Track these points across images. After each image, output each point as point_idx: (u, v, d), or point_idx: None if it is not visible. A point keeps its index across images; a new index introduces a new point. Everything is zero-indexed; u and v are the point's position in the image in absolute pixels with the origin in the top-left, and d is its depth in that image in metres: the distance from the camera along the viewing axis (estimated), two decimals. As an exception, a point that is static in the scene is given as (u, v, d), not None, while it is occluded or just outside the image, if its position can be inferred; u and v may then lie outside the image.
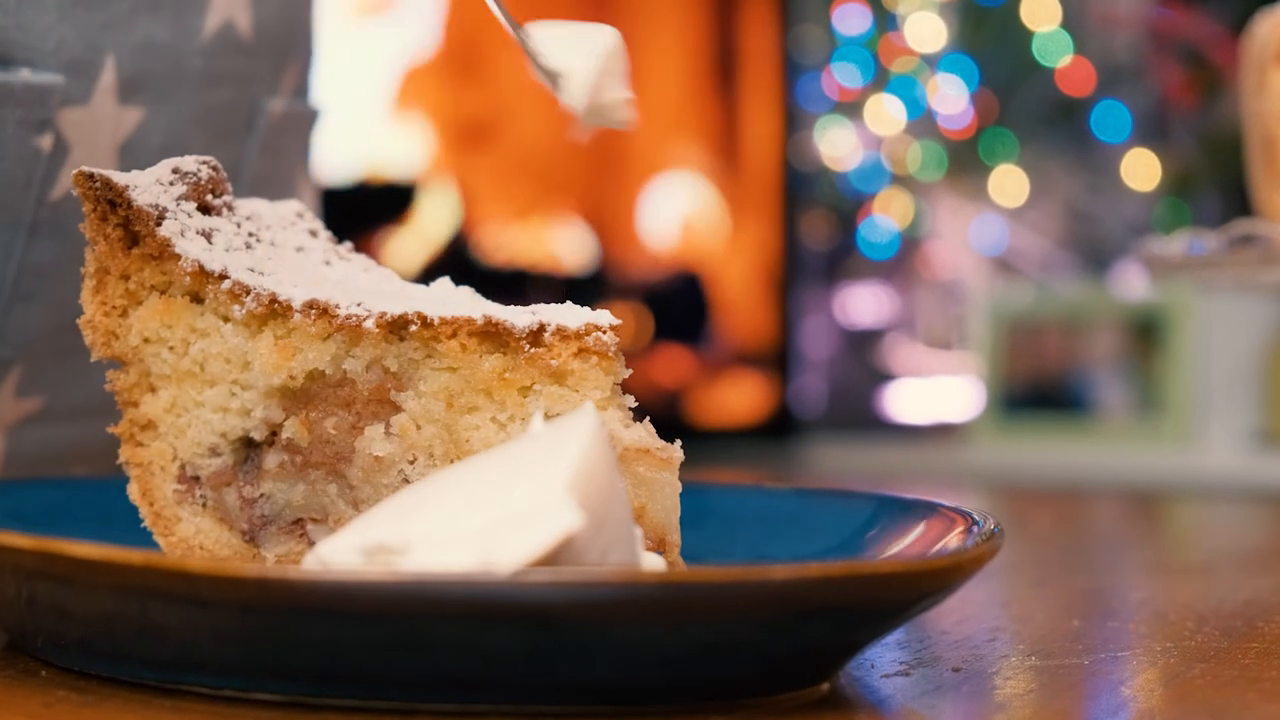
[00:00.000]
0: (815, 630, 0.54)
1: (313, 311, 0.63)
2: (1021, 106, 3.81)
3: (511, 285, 3.63)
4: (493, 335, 0.62)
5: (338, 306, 0.63)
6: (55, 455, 0.86)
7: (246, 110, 0.89)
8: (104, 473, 0.72)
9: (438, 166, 3.65)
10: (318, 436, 0.65)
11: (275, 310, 0.64)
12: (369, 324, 0.63)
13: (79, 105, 0.80)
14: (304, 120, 0.95)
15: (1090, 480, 2.59)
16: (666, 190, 4.62)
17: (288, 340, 0.64)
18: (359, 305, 0.63)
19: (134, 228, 0.65)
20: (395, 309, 0.63)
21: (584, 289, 4.41)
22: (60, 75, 0.79)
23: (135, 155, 0.82)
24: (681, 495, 0.63)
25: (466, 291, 0.69)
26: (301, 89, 0.94)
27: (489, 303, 0.66)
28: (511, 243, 3.82)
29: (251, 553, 0.66)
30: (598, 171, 4.62)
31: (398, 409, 0.64)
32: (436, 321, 0.63)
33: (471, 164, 3.77)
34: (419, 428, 0.64)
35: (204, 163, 0.68)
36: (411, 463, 0.64)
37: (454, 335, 0.63)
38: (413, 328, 0.63)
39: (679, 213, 4.59)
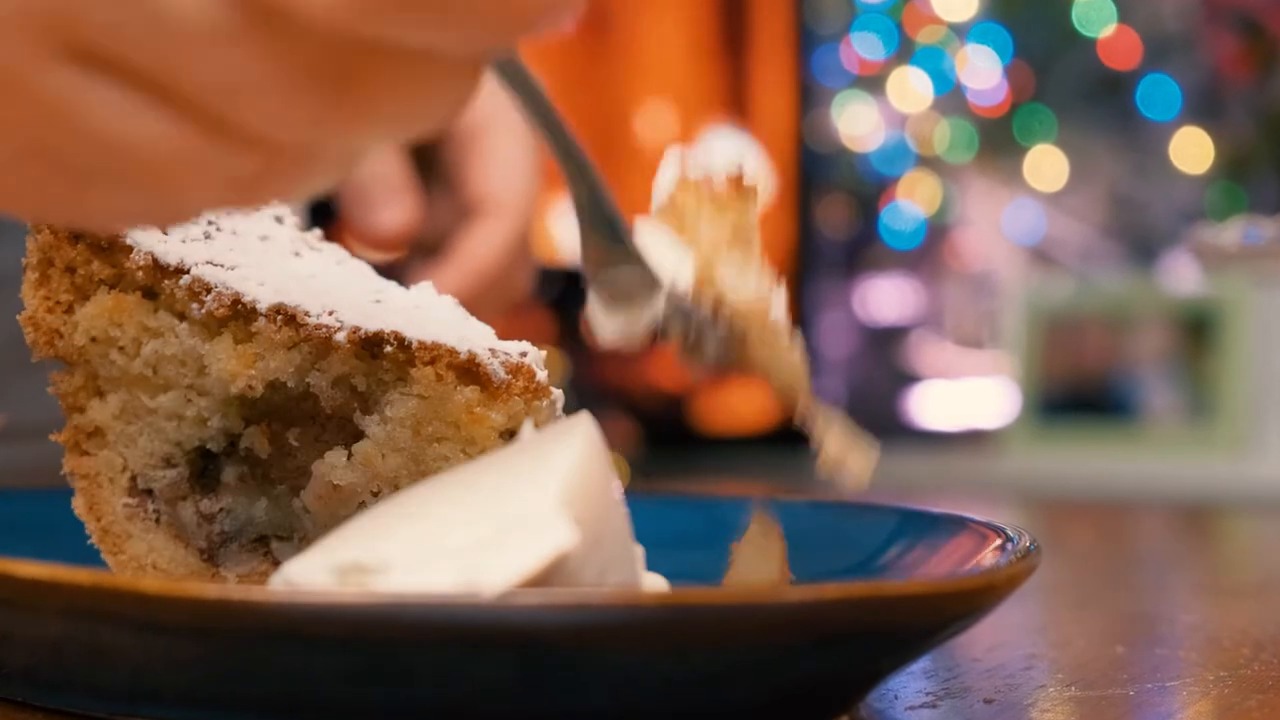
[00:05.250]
0: (833, 657, 0.54)
1: (279, 317, 0.63)
2: (1060, 81, 3.81)
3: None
4: (472, 373, 0.63)
5: (307, 314, 0.63)
6: (18, 475, 0.85)
7: None
8: (55, 485, 0.72)
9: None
10: (279, 448, 0.65)
11: (238, 312, 0.64)
12: (340, 337, 0.63)
13: None
14: None
15: (1135, 492, 2.59)
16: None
17: (249, 346, 0.64)
18: (331, 314, 0.63)
19: (81, 215, 0.65)
20: (371, 325, 0.63)
21: (581, 283, 4.40)
22: None
23: None
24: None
25: (448, 302, 0.69)
26: None
27: (472, 320, 0.66)
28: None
29: (210, 572, 0.66)
30: (595, 155, 4.61)
31: (360, 434, 0.64)
32: (415, 345, 0.63)
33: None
34: (383, 456, 0.64)
35: (159, 143, 0.68)
36: (375, 494, 0.64)
37: (431, 363, 0.63)
38: (388, 349, 0.63)
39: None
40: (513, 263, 1.02)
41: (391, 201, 1.00)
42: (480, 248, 1.01)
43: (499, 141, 1.03)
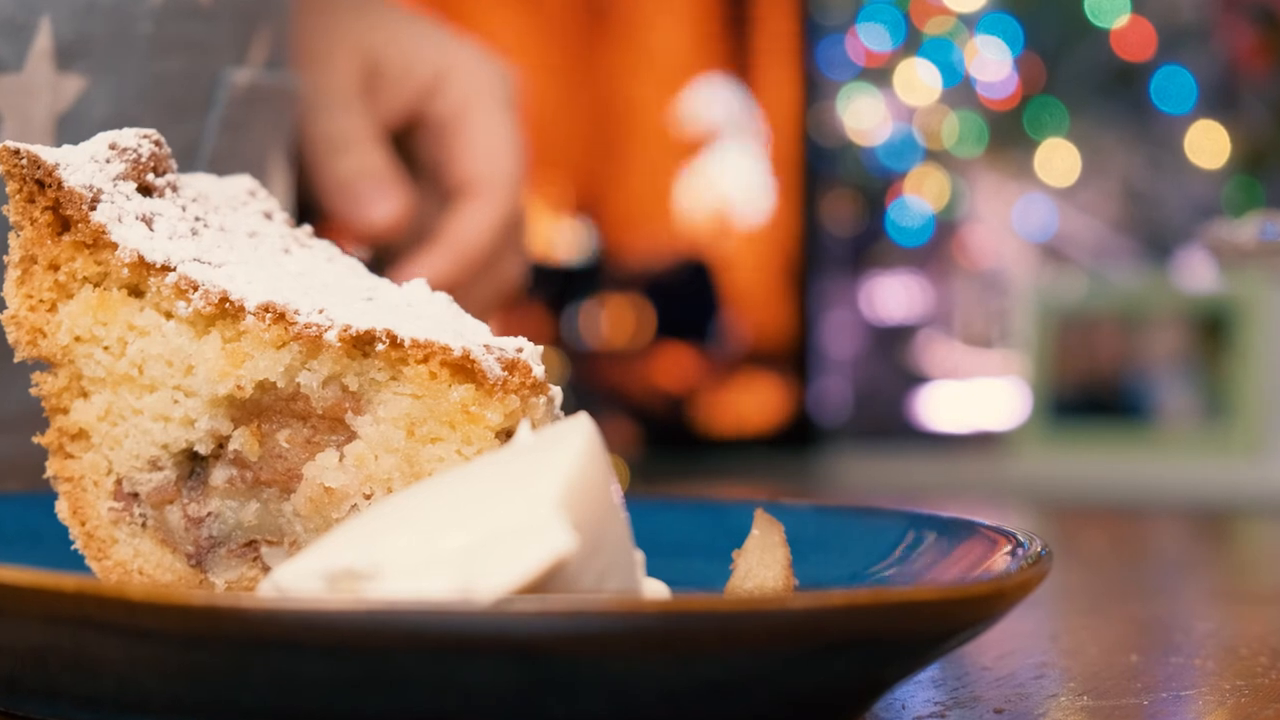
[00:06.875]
0: (839, 666, 0.54)
1: (268, 315, 0.63)
2: (1072, 73, 3.81)
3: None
4: (467, 370, 0.62)
5: (296, 312, 0.63)
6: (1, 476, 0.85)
7: (205, 82, 0.88)
8: (37, 488, 0.72)
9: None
10: (269, 450, 0.65)
11: (226, 310, 0.64)
12: (330, 335, 0.63)
13: (11, 72, 0.80)
14: (276, 95, 0.94)
15: (1150, 495, 2.59)
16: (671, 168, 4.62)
17: (237, 345, 0.64)
18: (321, 312, 0.63)
19: (65, 211, 0.65)
20: (362, 322, 0.63)
21: (579, 280, 4.40)
22: None
23: (76, 130, 0.82)
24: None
25: (442, 299, 0.69)
26: (275, 60, 0.94)
27: (467, 317, 0.66)
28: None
29: (198, 578, 0.66)
30: (594, 148, 4.62)
31: (353, 435, 0.64)
32: (407, 343, 0.63)
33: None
34: (376, 458, 0.63)
35: (145, 137, 0.68)
36: (367, 497, 0.64)
37: (425, 361, 0.62)
38: (380, 346, 0.63)
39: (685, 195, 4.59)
40: (503, 246, 1.02)
41: (383, 194, 1.00)
42: (468, 228, 1.00)
43: (480, 124, 1.03)
